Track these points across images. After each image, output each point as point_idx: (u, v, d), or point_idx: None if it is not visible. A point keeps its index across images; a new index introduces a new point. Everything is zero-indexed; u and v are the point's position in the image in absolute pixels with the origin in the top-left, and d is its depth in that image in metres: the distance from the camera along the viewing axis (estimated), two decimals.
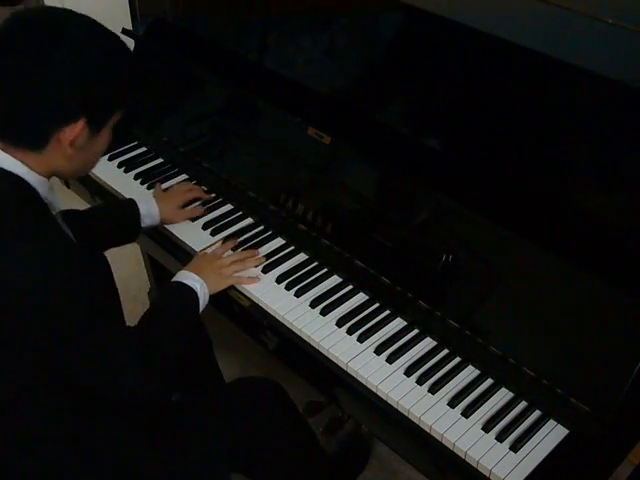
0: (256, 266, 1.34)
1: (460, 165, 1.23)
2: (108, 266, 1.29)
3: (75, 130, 0.97)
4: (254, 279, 1.31)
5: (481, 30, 1.15)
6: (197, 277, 1.23)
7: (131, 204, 1.41)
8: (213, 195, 1.54)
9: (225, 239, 1.41)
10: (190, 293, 1.21)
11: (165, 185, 1.58)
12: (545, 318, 1.09)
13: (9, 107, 0.96)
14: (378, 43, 1.34)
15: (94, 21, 1.00)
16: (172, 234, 1.45)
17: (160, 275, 2.02)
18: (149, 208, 1.42)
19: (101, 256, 1.31)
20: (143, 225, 1.42)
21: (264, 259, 1.35)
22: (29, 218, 0.96)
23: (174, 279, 1.24)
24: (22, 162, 0.98)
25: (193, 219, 1.48)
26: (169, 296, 1.23)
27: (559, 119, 1.11)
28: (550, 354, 1.08)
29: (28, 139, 0.98)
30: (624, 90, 1.03)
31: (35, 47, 0.94)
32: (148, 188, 1.57)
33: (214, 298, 1.40)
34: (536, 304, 1.10)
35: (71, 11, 1.00)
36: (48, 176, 1.03)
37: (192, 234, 1.45)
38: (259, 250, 1.37)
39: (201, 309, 1.23)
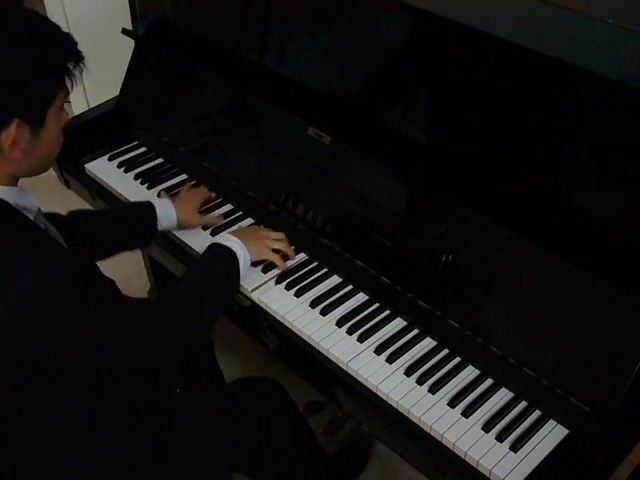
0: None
1: (460, 165, 1.23)
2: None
3: (10, 134, 0.90)
4: (286, 265, 1.30)
5: (481, 30, 1.15)
6: (237, 239, 1.22)
7: (148, 206, 1.38)
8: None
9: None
10: (228, 253, 1.18)
11: (166, 185, 1.58)
12: (545, 318, 1.09)
13: None
14: (378, 43, 1.34)
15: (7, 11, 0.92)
16: (172, 234, 1.45)
17: (160, 275, 2.02)
18: (166, 210, 1.39)
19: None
20: (160, 228, 1.39)
21: (293, 255, 1.35)
22: (8, 238, 0.91)
23: (214, 240, 1.23)
24: None
25: (204, 227, 1.47)
26: (203, 257, 1.20)
27: (559, 119, 1.11)
28: (550, 354, 1.08)
29: None
30: (624, 90, 1.03)
31: None
32: (148, 188, 1.57)
33: None
34: (536, 304, 1.10)
35: None
36: (11, 182, 0.97)
37: (192, 234, 1.44)
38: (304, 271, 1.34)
39: (242, 273, 1.21)
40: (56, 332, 0.94)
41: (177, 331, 1.07)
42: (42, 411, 1.03)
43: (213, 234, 1.43)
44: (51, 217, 1.13)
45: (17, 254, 0.91)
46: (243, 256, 1.20)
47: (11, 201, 0.95)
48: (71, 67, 0.96)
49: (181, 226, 1.42)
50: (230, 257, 1.19)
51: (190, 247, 1.41)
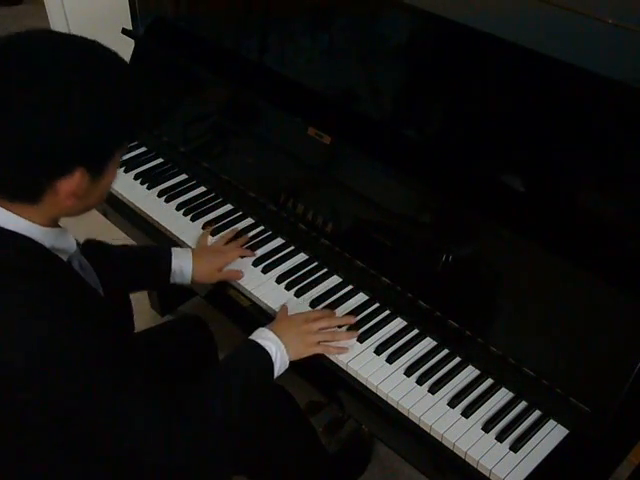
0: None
1: (460, 165, 1.23)
2: (129, 301, 1.18)
3: (72, 182, 0.85)
4: (344, 349, 1.17)
5: (482, 30, 1.15)
6: (276, 338, 1.10)
7: (165, 256, 1.29)
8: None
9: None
10: (262, 354, 1.07)
11: (165, 185, 1.58)
12: (545, 318, 1.09)
13: None
14: (378, 43, 1.34)
15: (86, 48, 0.86)
16: (172, 234, 1.45)
17: None
18: (182, 266, 1.29)
19: (124, 297, 1.19)
20: (172, 281, 1.30)
21: (357, 333, 1.20)
22: (30, 289, 0.84)
23: (252, 335, 1.11)
24: (20, 216, 0.87)
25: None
26: (236, 354, 1.09)
27: (559, 119, 1.11)
28: (550, 354, 1.08)
29: (20, 194, 0.86)
30: (624, 90, 1.03)
31: (12, 89, 0.80)
32: (148, 188, 1.57)
33: (214, 298, 1.40)
34: (536, 304, 1.10)
35: (62, 39, 0.85)
36: (52, 223, 0.91)
37: (192, 234, 1.45)
38: (354, 319, 1.23)
39: (277, 374, 1.09)
40: (55, 396, 0.87)
41: (180, 436, 0.93)
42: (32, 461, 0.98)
43: (213, 234, 1.43)
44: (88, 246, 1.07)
45: (34, 306, 0.84)
46: (280, 359, 1.09)
47: (48, 244, 0.90)
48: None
49: (194, 283, 1.33)
50: (264, 359, 1.07)
51: (190, 247, 1.41)
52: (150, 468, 1.02)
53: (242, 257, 1.36)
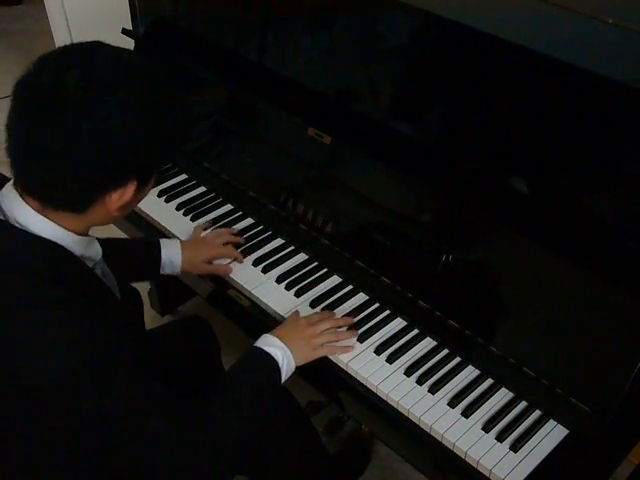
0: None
1: (460, 165, 1.23)
2: (141, 301, 1.19)
3: (125, 194, 0.86)
4: (349, 348, 1.18)
5: (482, 30, 1.15)
6: (282, 344, 1.10)
7: (154, 247, 1.31)
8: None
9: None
10: (269, 361, 1.07)
11: (165, 185, 1.58)
12: (545, 318, 1.09)
13: (50, 171, 0.83)
14: (378, 43, 1.34)
15: (145, 66, 0.87)
16: (172, 234, 1.45)
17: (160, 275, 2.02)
18: (172, 256, 1.31)
19: (133, 290, 1.20)
20: (162, 272, 1.33)
21: (358, 332, 1.22)
22: (59, 298, 0.83)
23: (256, 342, 1.11)
24: (59, 224, 0.87)
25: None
26: (242, 362, 1.09)
27: (559, 119, 1.11)
28: (550, 354, 1.08)
29: (70, 204, 0.86)
30: (624, 90, 1.03)
31: (82, 106, 0.80)
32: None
33: (214, 298, 1.40)
34: (536, 304, 1.10)
35: (118, 53, 0.85)
36: (85, 232, 0.92)
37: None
38: (354, 319, 1.24)
39: (284, 380, 1.09)
40: (82, 407, 0.85)
41: (198, 448, 0.93)
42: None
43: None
44: None
45: (67, 314, 0.83)
46: (286, 365, 1.09)
47: (78, 252, 0.91)
48: None
49: (184, 273, 1.35)
50: (271, 366, 1.07)
51: None
52: None
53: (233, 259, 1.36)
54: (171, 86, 0.90)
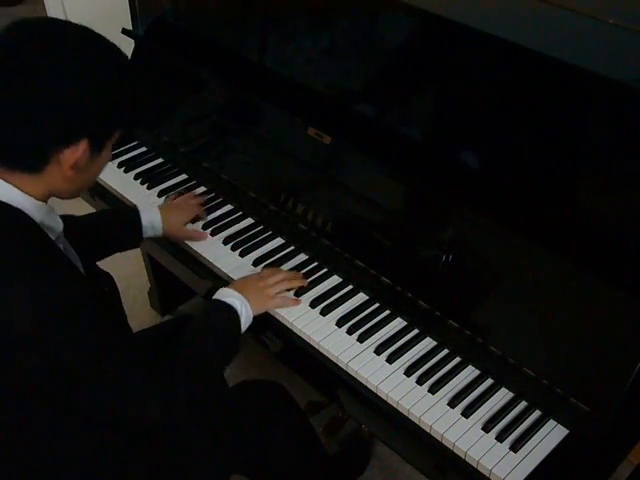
0: (293, 290, 1.29)
1: (460, 165, 1.23)
2: (114, 284, 1.23)
3: (77, 152, 0.91)
4: (299, 301, 1.26)
5: (481, 30, 1.15)
6: (238, 294, 1.18)
7: (133, 213, 1.37)
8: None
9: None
10: (229, 310, 1.15)
11: (165, 185, 1.59)
12: (545, 318, 1.09)
13: (3, 128, 0.89)
14: (378, 43, 1.34)
15: (95, 34, 0.95)
16: None
17: (160, 275, 2.02)
18: (152, 220, 1.37)
19: (105, 274, 1.23)
20: (145, 236, 1.38)
21: (306, 280, 1.30)
22: (22, 257, 0.89)
23: (214, 296, 1.19)
24: (17, 187, 0.92)
25: (193, 220, 1.47)
26: (205, 314, 1.16)
27: (558, 119, 1.11)
28: (550, 354, 1.08)
29: (25, 162, 0.91)
30: (624, 90, 1.03)
31: (34, 63, 0.87)
32: (148, 188, 1.57)
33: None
34: (536, 304, 1.10)
35: (71, 23, 0.94)
36: (45, 199, 0.97)
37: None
38: (302, 273, 1.32)
39: (243, 328, 1.17)
40: (53, 359, 0.90)
41: (175, 395, 1.02)
42: (40, 429, 1.00)
43: (213, 234, 1.43)
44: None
45: (31, 285, 0.88)
46: (245, 313, 1.17)
47: (38, 219, 0.94)
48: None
49: (166, 236, 1.41)
50: (231, 315, 1.15)
51: (191, 248, 1.41)
52: (155, 428, 1.09)
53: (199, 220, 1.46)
54: (118, 56, 0.96)
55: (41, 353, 0.89)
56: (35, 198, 0.94)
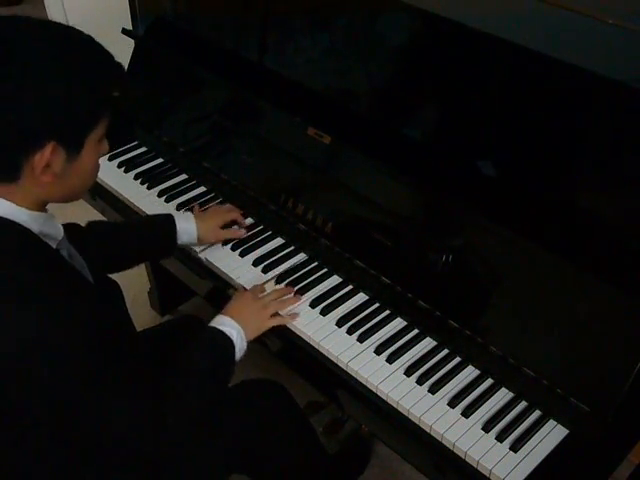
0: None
1: (460, 165, 1.23)
2: (120, 291, 1.20)
3: (44, 156, 0.86)
4: (295, 315, 1.24)
5: (481, 31, 1.15)
6: (236, 324, 1.16)
7: (168, 220, 1.36)
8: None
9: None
10: (224, 340, 1.14)
11: (165, 185, 1.59)
12: (545, 318, 1.09)
13: None
14: (378, 43, 1.34)
15: (56, 30, 0.89)
16: None
17: (160, 275, 2.02)
18: (187, 225, 1.36)
19: (112, 282, 1.20)
20: (180, 242, 1.36)
21: (301, 297, 1.28)
22: (18, 274, 0.86)
23: (211, 323, 1.17)
24: (5, 199, 0.88)
25: (230, 224, 1.46)
26: (201, 343, 1.14)
27: (558, 119, 1.11)
28: (550, 354, 1.08)
29: None
30: (624, 90, 1.03)
31: None
32: (148, 188, 1.57)
33: (214, 298, 1.40)
34: (536, 304, 1.10)
35: (25, 19, 0.88)
36: (39, 208, 0.93)
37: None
38: (293, 289, 1.30)
39: (238, 357, 1.15)
40: (40, 389, 0.89)
41: (163, 425, 1.00)
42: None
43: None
44: (71, 229, 1.08)
45: (26, 293, 0.86)
46: (240, 343, 1.15)
47: (36, 229, 0.92)
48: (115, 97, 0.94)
49: (200, 242, 1.39)
50: (227, 344, 1.14)
51: (191, 248, 1.41)
52: (145, 457, 1.08)
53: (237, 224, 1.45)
54: (83, 52, 0.90)
55: (27, 383, 0.87)
56: (27, 208, 0.90)
